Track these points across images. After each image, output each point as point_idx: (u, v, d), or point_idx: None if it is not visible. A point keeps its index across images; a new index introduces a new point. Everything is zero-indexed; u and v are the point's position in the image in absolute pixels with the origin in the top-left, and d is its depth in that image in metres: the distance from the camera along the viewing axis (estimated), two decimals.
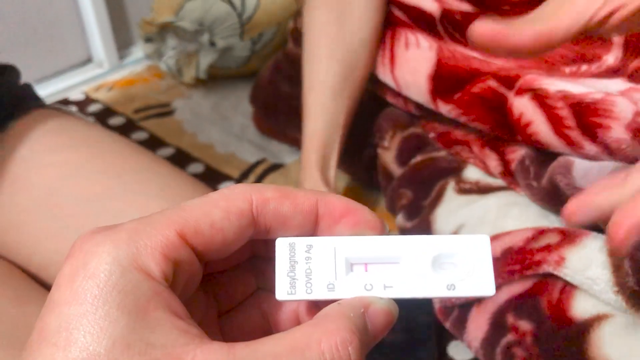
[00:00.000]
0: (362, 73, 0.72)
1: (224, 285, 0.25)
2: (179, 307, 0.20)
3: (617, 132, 0.54)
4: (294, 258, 0.22)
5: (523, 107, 0.59)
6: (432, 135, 0.72)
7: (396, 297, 0.21)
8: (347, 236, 0.22)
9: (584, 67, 0.61)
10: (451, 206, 0.65)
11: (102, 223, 0.21)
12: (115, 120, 1.04)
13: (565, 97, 0.57)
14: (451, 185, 0.67)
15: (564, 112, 0.58)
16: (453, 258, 0.21)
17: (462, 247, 0.21)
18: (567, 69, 0.61)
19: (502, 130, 0.63)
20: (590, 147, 0.56)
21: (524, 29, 0.29)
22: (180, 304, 0.20)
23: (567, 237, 0.52)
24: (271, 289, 0.25)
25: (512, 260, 0.54)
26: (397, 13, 0.72)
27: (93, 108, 1.08)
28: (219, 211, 0.21)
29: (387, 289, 0.21)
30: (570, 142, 0.58)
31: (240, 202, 0.21)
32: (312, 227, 0.23)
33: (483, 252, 0.21)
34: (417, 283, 0.21)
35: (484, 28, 0.30)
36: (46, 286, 0.52)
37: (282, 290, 0.21)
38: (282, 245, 0.22)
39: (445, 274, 0.21)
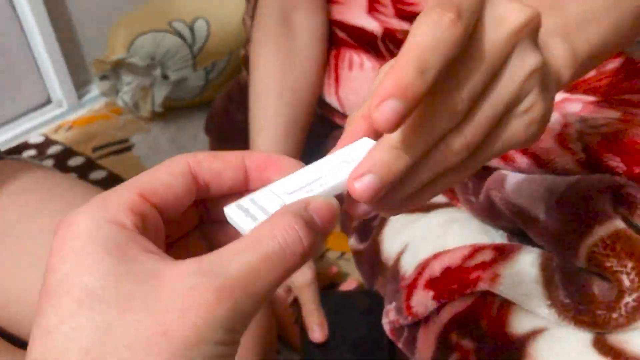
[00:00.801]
0: (310, 111, 0.72)
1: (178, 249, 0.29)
2: (152, 247, 0.24)
3: (547, 143, 0.55)
4: (245, 208, 0.26)
5: None
6: None
7: (328, 187, 0.26)
8: (276, 181, 0.27)
9: None
10: (397, 226, 0.66)
11: None
12: (75, 161, 1.04)
13: None
14: None
15: None
16: (349, 156, 0.28)
17: (350, 147, 0.29)
18: None
19: None
20: (522, 160, 0.57)
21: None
22: (153, 245, 0.24)
23: (500, 253, 0.53)
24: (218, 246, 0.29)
25: (451, 280, 0.54)
26: (340, 34, 0.72)
27: (52, 150, 1.08)
28: (166, 175, 0.26)
29: (322, 185, 0.27)
30: (503, 156, 0.58)
31: (180, 166, 0.27)
32: (244, 180, 0.28)
33: (363, 140, 0.29)
34: (337, 173, 0.27)
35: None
36: (4, 332, 0.52)
37: (246, 224, 0.25)
38: (230, 210, 0.26)
39: (350, 163, 0.28)
